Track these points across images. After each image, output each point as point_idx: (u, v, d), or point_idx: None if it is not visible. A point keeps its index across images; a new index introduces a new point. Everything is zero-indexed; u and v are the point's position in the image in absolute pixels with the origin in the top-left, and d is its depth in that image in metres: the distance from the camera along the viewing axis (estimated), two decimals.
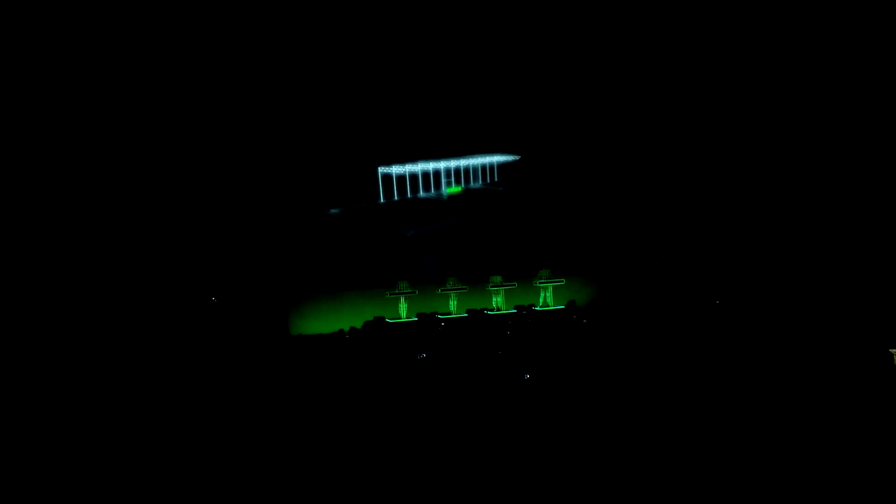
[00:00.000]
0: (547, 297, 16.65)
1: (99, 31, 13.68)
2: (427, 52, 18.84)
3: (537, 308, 16.25)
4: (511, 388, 8.47)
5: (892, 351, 7.56)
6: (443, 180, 23.94)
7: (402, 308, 16.02)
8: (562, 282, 16.75)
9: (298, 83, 17.37)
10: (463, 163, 23.72)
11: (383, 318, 15.54)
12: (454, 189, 23.72)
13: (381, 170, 22.16)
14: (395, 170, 22.44)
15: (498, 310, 16.28)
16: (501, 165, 24.04)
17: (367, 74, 18.87)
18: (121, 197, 14.52)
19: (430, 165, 23.16)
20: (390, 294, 16.06)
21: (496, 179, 24.21)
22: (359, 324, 15.60)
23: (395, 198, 22.57)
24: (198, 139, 15.31)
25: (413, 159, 22.55)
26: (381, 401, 7.92)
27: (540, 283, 16.67)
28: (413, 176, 23.36)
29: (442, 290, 16.27)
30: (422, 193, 22.89)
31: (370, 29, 17.85)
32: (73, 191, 14.03)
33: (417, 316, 15.85)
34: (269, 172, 16.81)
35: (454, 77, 20.26)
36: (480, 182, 24.25)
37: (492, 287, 16.54)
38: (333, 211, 20.19)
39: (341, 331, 14.33)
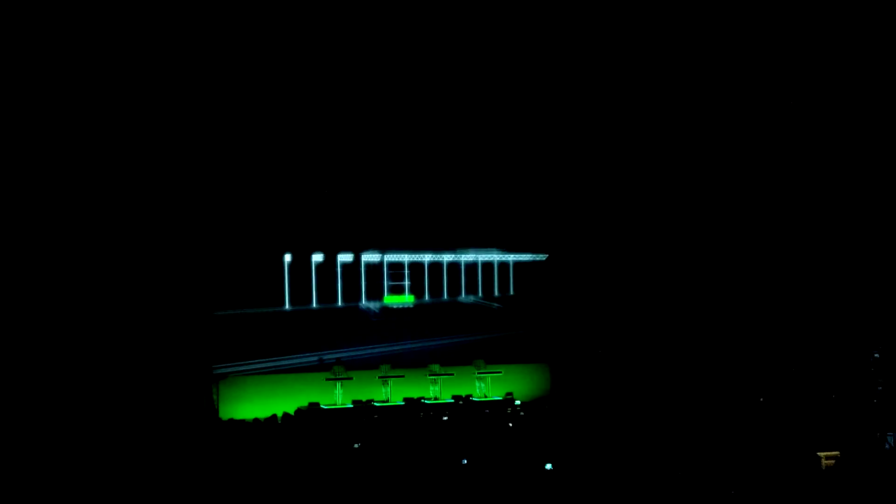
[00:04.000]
0: (484, 388, 16.59)
1: None
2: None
3: (475, 399, 16.18)
4: (448, 474, 8.35)
5: (821, 455, 7.74)
6: (406, 281, 16.69)
7: (338, 394, 15.73)
8: (500, 372, 16.76)
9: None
10: (445, 258, 17.38)
11: (318, 404, 15.23)
12: (397, 298, 17.24)
13: (289, 258, 16.54)
14: (318, 259, 16.81)
15: (436, 399, 16.12)
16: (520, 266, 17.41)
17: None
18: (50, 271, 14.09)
19: (389, 257, 16.96)
20: (327, 379, 15.78)
21: (508, 293, 17.41)
22: (292, 408, 15.24)
23: (313, 304, 16.35)
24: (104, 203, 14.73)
25: (357, 247, 16.82)
26: (315, 491, 7.70)
27: (478, 373, 16.64)
28: (350, 269, 16.64)
29: (380, 377, 16.07)
30: (363, 302, 16.68)
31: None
32: None
33: (353, 402, 15.58)
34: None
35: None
36: (479, 293, 17.37)
37: (430, 375, 16.42)
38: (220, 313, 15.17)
39: (274, 416, 13.97)
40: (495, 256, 17.66)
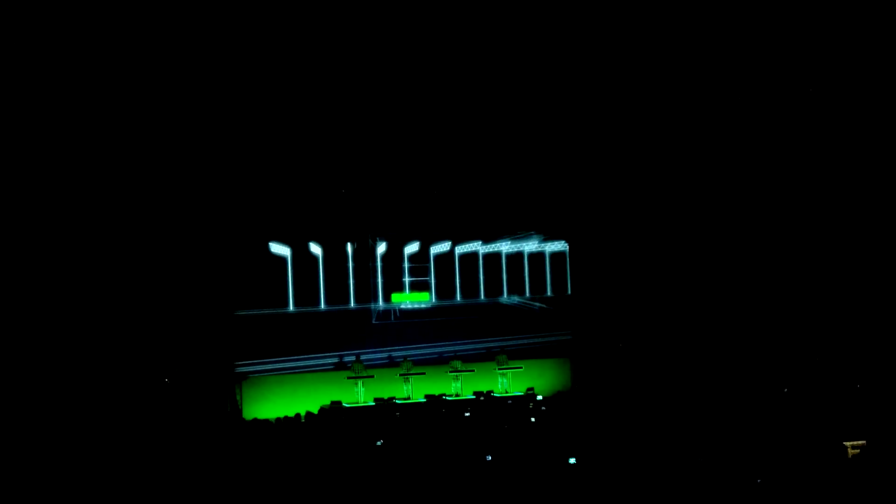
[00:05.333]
0: (505, 383, 16.59)
1: None
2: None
3: (496, 394, 16.17)
4: (472, 470, 8.36)
5: (846, 444, 7.68)
6: (431, 277, 14.12)
7: (360, 392, 15.79)
8: (521, 368, 16.75)
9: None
10: (481, 249, 14.48)
11: (340, 403, 15.29)
12: (410, 297, 14.86)
13: (277, 248, 14.66)
14: (317, 249, 14.56)
15: (457, 396, 16.14)
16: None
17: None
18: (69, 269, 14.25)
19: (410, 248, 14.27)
20: (348, 377, 15.85)
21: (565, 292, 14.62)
22: (314, 407, 15.34)
23: (321, 305, 14.29)
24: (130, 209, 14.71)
25: (368, 235, 14.35)
26: (339, 488, 7.74)
27: (499, 369, 16.63)
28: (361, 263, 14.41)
29: (400, 375, 16.11)
30: (379, 304, 14.29)
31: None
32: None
33: (375, 400, 15.63)
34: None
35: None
36: (526, 293, 14.45)
37: (451, 371, 16.43)
38: None
39: (297, 415, 14.04)
40: (545, 246, 15.18)
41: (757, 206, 16.76)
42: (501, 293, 15.15)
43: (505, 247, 15.16)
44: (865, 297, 15.80)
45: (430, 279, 15.34)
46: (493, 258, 15.46)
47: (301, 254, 15.55)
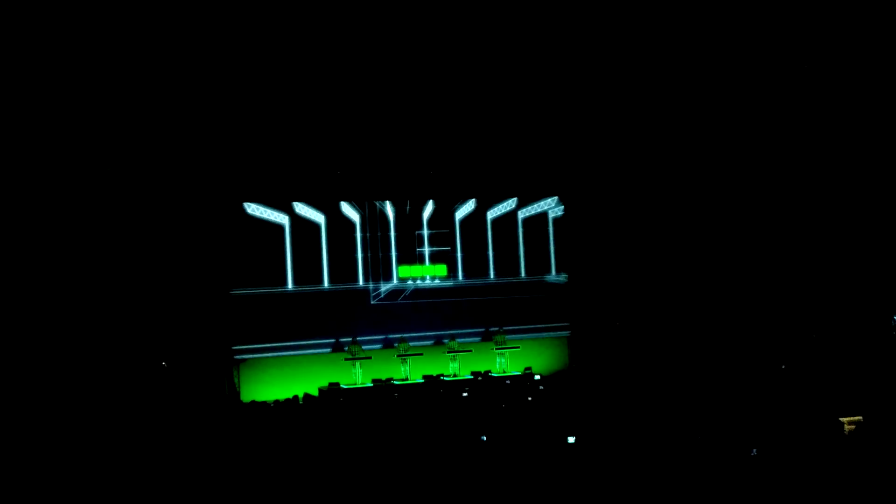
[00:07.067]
0: (503, 363, 16.63)
1: None
2: None
3: (494, 374, 16.21)
4: (467, 451, 8.39)
5: (843, 420, 7.72)
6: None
7: (358, 374, 15.82)
8: (518, 347, 16.78)
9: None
10: (521, 212, 11.61)
11: (338, 384, 15.32)
12: (420, 270, 12.30)
13: (258, 210, 12.38)
14: (312, 213, 12.09)
15: (455, 376, 16.18)
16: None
17: None
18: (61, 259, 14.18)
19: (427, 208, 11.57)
20: (346, 359, 15.87)
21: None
22: (312, 389, 15.36)
23: (325, 284, 12.06)
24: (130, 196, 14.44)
25: (368, 194, 11.68)
26: (342, 470, 7.76)
27: (496, 348, 16.67)
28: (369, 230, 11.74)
29: (398, 356, 16.13)
30: (394, 281, 11.90)
31: None
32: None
33: (373, 382, 15.67)
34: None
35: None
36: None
37: (448, 352, 16.46)
38: None
39: (295, 397, 14.07)
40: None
41: (755, 191, 16.75)
42: (549, 270, 12.52)
43: (551, 208, 12.43)
44: (861, 274, 15.83)
45: (457, 251, 12.79)
46: (537, 223, 12.27)
47: (299, 222, 14.15)
